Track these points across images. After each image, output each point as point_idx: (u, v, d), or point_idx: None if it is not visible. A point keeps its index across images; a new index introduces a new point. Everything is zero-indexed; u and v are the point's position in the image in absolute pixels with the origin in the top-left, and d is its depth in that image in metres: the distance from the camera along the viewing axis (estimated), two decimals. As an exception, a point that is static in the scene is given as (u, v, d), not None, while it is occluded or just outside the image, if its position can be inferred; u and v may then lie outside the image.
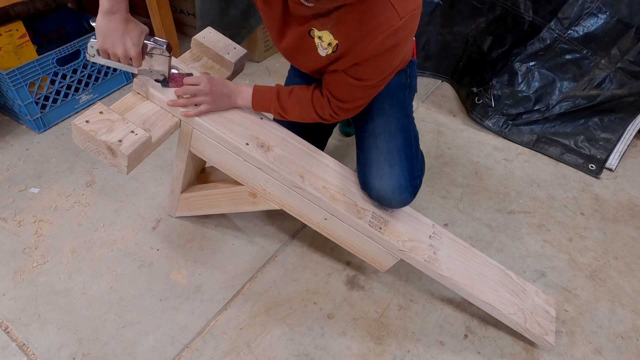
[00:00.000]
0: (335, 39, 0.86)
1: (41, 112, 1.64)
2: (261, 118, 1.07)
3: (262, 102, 1.03)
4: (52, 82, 1.65)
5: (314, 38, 0.89)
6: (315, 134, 1.25)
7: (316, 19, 0.86)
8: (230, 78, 1.17)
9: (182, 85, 0.99)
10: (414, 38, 1.01)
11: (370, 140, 1.06)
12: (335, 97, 0.96)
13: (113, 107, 0.94)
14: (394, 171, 1.00)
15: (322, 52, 0.90)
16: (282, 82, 1.99)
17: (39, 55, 1.62)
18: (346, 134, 1.76)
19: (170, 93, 0.98)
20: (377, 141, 1.04)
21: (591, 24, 1.62)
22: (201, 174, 1.33)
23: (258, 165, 1.00)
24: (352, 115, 1.02)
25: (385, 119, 1.07)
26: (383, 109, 1.08)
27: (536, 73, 1.73)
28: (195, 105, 0.98)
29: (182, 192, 1.25)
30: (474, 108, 1.86)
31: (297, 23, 0.90)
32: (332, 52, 0.88)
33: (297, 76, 1.23)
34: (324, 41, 0.88)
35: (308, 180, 1.01)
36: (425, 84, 2.07)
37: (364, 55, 0.84)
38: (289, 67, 1.31)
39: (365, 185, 1.03)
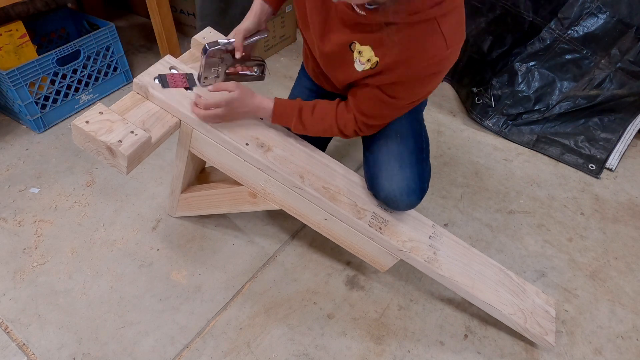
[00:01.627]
0: (375, 55, 0.85)
1: (41, 112, 1.64)
2: (261, 118, 1.07)
3: (282, 116, 1.01)
4: (52, 82, 1.65)
5: (353, 52, 0.88)
6: (318, 137, 1.25)
7: (361, 33, 0.85)
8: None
9: (182, 86, 1.00)
10: None
11: (380, 141, 1.06)
12: (362, 113, 0.95)
13: (113, 108, 0.94)
14: (404, 173, 1.00)
15: (359, 67, 0.89)
16: (282, 82, 2.00)
17: (39, 55, 1.62)
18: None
19: (170, 93, 0.98)
20: (388, 142, 1.04)
21: (591, 24, 1.62)
22: (201, 174, 1.33)
23: (258, 165, 1.00)
24: (373, 132, 1.02)
25: (397, 122, 1.07)
26: None
27: (536, 73, 1.73)
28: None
29: (182, 192, 1.25)
30: (474, 108, 1.86)
31: (341, 32, 0.88)
32: (370, 68, 0.87)
33: (306, 87, 1.23)
34: (364, 57, 0.87)
35: (308, 180, 1.01)
36: (425, 84, 2.07)
37: (404, 76, 0.84)
38: (289, 68, 1.31)
39: (373, 186, 1.03)
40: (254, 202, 1.12)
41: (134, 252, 1.28)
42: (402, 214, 1.09)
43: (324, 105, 1.00)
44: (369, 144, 1.09)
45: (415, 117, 1.11)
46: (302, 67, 1.27)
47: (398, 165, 1.01)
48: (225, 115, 0.97)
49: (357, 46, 0.87)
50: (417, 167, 1.02)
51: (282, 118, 1.01)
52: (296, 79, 1.31)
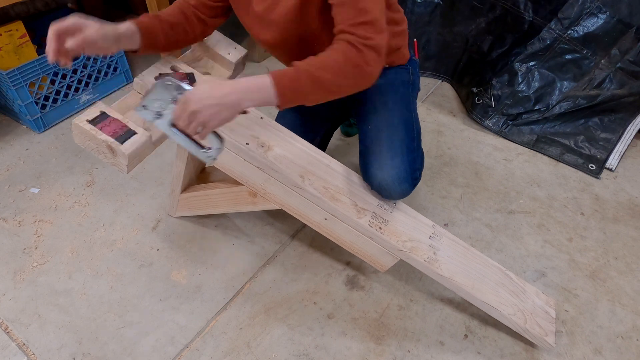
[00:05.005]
0: None
1: (41, 112, 1.64)
2: (261, 118, 1.07)
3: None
4: (52, 82, 1.66)
5: None
6: (317, 136, 1.25)
7: None
8: (231, 78, 1.17)
9: None
10: (415, 39, 1.01)
11: (372, 133, 1.08)
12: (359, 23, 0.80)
13: (114, 106, 0.95)
14: (394, 162, 1.02)
15: None
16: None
17: (39, 55, 1.62)
18: (347, 134, 1.76)
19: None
20: (380, 134, 1.07)
21: (591, 24, 1.62)
22: (201, 174, 1.33)
23: (258, 165, 1.00)
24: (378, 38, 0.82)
25: (388, 113, 1.09)
26: (387, 104, 1.11)
27: (536, 73, 1.73)
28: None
29: (182, 192, 1.25)
30: (474, 108, 1.86)
31: None
32: None
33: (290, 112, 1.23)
34: None
35: (308, 180, 1.01)
36: (425, 84, 2.07)
37: None
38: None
39: (366, 175, 1.05)
40: (254, 202, 1.12)
41: (134, 252, 1.28)
42: (401, 214, 1.09)
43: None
44: (363, 136, 1.12)
45: (406, 107, 1.13)
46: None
47: (389, 155, 1.03)
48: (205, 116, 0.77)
49: None
50: (408, 156, 1.04)
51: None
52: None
